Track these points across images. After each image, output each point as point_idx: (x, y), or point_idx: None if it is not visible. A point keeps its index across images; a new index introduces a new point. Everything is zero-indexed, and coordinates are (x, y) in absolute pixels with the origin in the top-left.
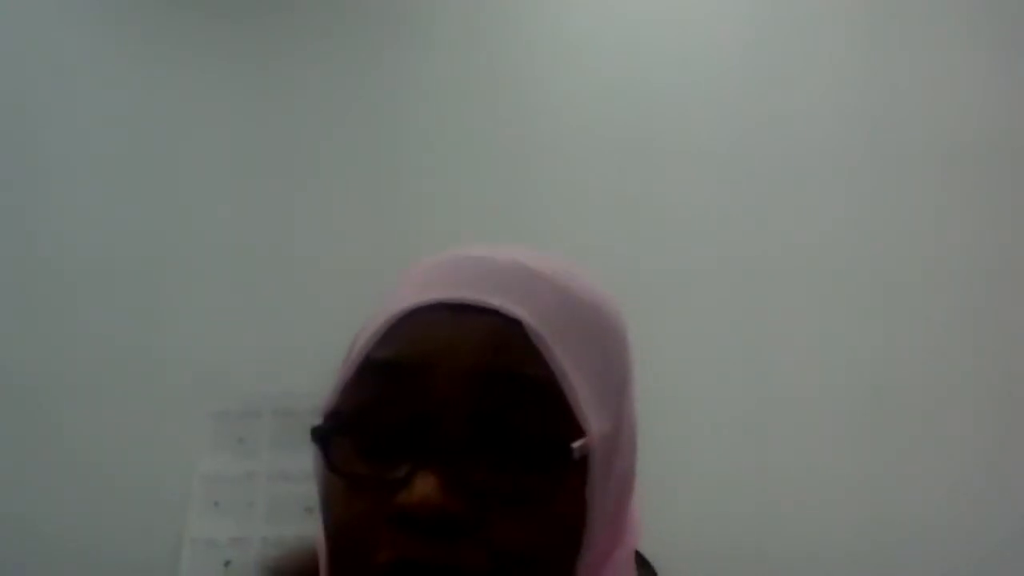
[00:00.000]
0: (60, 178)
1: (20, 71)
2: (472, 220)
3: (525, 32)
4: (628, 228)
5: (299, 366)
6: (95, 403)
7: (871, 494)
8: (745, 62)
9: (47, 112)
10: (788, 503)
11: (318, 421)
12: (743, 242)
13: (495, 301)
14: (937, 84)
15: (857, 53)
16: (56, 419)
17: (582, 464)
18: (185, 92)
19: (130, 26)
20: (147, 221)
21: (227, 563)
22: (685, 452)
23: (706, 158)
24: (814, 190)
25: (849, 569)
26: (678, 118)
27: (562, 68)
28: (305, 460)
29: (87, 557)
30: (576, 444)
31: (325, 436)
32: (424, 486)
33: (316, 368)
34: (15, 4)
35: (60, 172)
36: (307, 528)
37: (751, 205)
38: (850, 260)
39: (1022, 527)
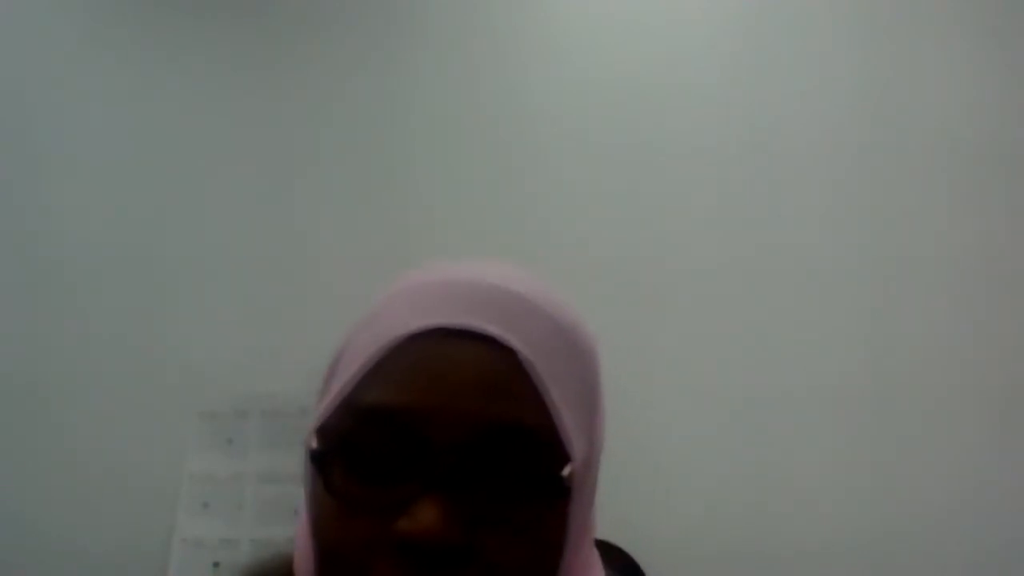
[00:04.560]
0: (55, 179)
1: (17, 72)
2: (465, 220)
3: (518, 31)
4: (623, 228)
5: (288, 367)
6: (85, 403)
7: (871, 494)
8: (742, 61)
9: (44, 112)
10: (788, 503)
11: (312, 440)
12: (742, 242)
13: (491, 329)
14: (936, 83)
15: (854, 52)
16: (46, 419)
17: (567, 487)
18: (179, 92)
19: (126, 27)
20: (138, 222)
21: (216, 564)
22: (685, 451)
23: (702, 157)
24: (812, 189)
25: (849, 569)
26: (673, 118)
27: (556, 66)
28: (294, 461)
29: (76, 557)
30: (565, 473)
31: (323, 458)
32: (426, 514)
33: (305, 369)
34: (15, 2)
35: (55, 173)
36: (296, 529)
37: (749, 205)
38: (849, 258)
39: (1023, 527)
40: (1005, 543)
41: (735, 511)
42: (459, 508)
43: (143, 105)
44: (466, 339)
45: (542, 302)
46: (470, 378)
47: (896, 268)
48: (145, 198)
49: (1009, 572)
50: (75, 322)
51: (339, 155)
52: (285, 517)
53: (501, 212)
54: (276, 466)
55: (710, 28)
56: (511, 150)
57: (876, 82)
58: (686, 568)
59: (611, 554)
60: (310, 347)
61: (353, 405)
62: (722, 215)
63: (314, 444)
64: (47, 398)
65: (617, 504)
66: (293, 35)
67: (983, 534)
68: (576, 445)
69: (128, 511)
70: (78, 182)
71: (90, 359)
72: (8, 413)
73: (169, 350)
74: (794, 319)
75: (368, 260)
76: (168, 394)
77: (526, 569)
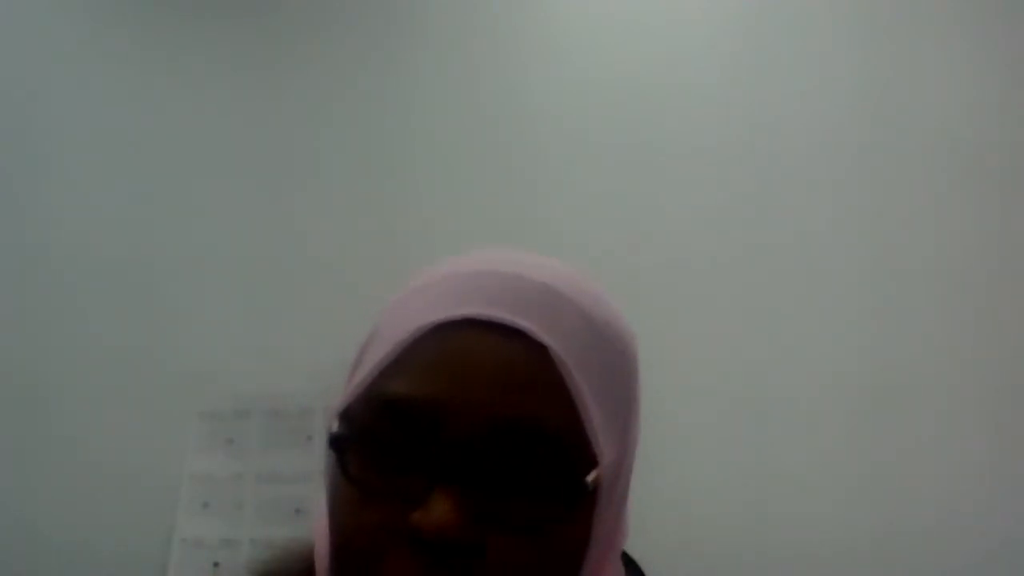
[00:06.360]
0: (55, 179)
1: (17, 72)
2: (465, 221)
3: (518, 31)
4: (623, 228)
5: (289, 367)
6: (85, 403)
7: (871, 494)
8: (742, 61)
9: (44, 112)
10: (788, 503)
11: (333, 423)
12: (742, 242)
13: (520, 322)
14: (936, 83)
15: (854, 52)
16: (45, 419)
17: (592, 492)
18: (179, 93)
19: (126, 27)
20: (138, 222)
21: (216, 564)
22: (683, 452)
23: (702, 157)
24: (812, 190)
25: (849, 569)
26: (673, 118)
27: (556, 66)
28: (294, 461)
29: (76, 557)
30: (589, 478)
31: (342, 443)
32: (439, 508)
33: (306, 369)
34: (15, 2)
35: (54, 172)
36: (296, 530)
37: (749, 205)
38: (849, 259)
39: (1023, 527)
40: (1005, 543)
41: (735, 511)
42: (473, 503)
43: (143, 105)
44: (494, 332)
45: (577, 296)
46: (492, 371)
47: (896, 268)
48: (145, 198)
49: (1009, 572)
50: (75, 322)
51: (339, 155)
52: (285, 517)
53: (501, 212)
54: (276, 466)
55: (710, 28)
56: (511, 150)
57: (876, 82)
58: (686, 568)
59: None
60: (310, 347)
61: (374, 394)
62: (722, 215)
63: (335, 428)
64: (47, 398)
65: None
66: (293, 35)
67: (983, 534)
68: (605, 448)
69: (128, 511)
70: (78, 182)
71: (90, 359)
72: (8, 413)
73: (169, 350)
74: (794, 319)
75: (368, 260)
76: (168, 394)
77: (541, 574)
